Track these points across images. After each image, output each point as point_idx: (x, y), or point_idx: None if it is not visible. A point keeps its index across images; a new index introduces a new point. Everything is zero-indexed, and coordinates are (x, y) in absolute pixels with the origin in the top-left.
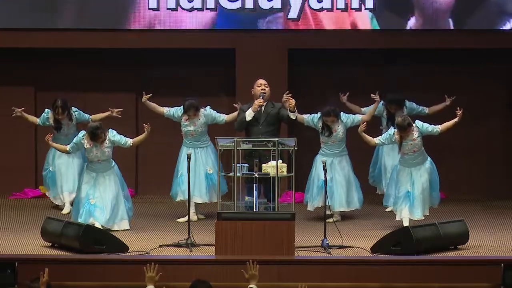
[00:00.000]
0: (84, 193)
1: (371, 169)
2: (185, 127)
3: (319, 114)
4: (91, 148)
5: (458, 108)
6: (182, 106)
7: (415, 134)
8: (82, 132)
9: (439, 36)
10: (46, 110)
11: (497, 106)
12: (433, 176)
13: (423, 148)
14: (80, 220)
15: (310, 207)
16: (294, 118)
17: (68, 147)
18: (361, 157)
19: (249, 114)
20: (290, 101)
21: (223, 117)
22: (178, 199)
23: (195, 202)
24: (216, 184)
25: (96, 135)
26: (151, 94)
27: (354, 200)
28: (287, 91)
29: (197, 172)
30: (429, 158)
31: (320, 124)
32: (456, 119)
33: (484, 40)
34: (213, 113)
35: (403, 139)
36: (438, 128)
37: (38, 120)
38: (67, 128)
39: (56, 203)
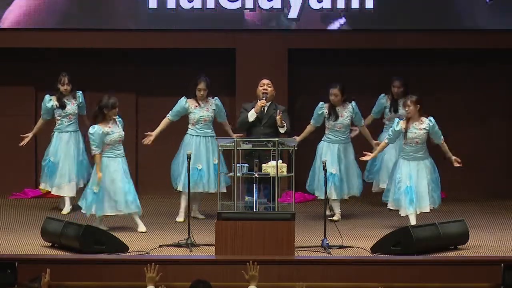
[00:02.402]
0: (103, 180)
1: (369, 162)
2: (197, 114)
3: (320, 104)
4: (112, 130)
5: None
6: (183, 97)
7: (423, 125)
8: (93, 128)
9: (439, 36)
10: (45, 97)
11: (497, 106)
12: (433, 176)
13: (426, 146)
14: (106, 206)
15: (318, 194)
16: (283, 132)
17: (95, 150)
18: (365, 149)
19: (251, 115)
20: (278, 117)
21: (225, 119)
22: (194, 190)
23: (208, 192)
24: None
25: (115, 105)
26: (151, 136)
27: (354, 187)
28: (279, 113)
29: (210, 163)
30: (430, 158)
31: (326, 110)
32: (453, 160)
33: (484, 40)
34: (222, 107)
35: (409, 124)
36: (442, 139)
37: (41, 120)
38: (70, 107)
39: (57, 194)
